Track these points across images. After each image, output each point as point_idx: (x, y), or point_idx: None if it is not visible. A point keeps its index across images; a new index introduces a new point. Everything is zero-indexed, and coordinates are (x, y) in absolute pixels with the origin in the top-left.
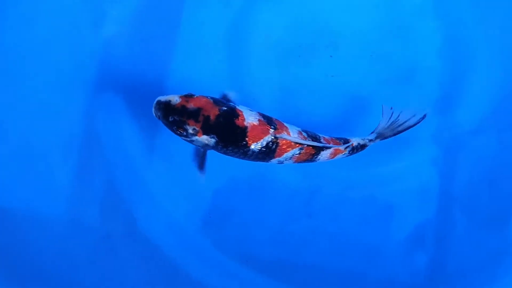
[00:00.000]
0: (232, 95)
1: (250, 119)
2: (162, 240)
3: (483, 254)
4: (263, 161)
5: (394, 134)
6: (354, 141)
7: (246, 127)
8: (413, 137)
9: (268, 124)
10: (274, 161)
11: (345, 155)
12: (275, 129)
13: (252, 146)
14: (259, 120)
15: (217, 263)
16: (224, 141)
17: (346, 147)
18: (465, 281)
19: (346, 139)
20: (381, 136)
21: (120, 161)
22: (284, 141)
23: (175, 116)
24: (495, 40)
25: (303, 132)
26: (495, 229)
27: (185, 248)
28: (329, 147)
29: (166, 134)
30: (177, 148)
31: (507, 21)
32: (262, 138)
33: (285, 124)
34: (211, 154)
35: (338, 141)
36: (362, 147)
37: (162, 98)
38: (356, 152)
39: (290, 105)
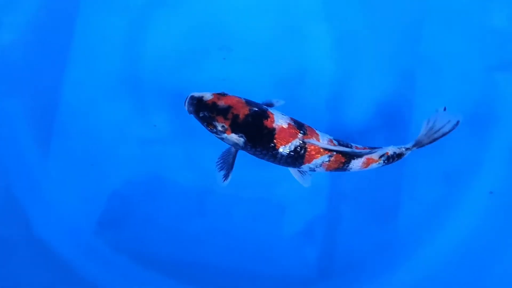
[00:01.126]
0: (277, 102)
1: (279, 121)
2: (57, 243)
3: (370, 246)
4: (294, 167)
5: (431, 142)
6: (390, 150)
7: (274, 129)
8: None
9: (298, 128)
10: (305, 167)
11: (380, 165)
12: (304, 134)
13: (281, 149)
14: (288, 124)
15: (113, 265)
16: (252, 141)
17: (381, 156)
18: (353, 272)
19: (381, 148)
20: (418, 144)
21: (14, 165)
22: (312, 147)
23: (205, 112)
24: (382, 41)
25: (334, 140)
26: (380, 223)
27: (81, 250)
28: (358, 154)
29: (61, 138)
30: (72, 152)
31: (393, 23)
32: (290, 142)
33: (316, 131)
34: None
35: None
36: (398, 156)
37: (196, 94)
38: (392, 162)
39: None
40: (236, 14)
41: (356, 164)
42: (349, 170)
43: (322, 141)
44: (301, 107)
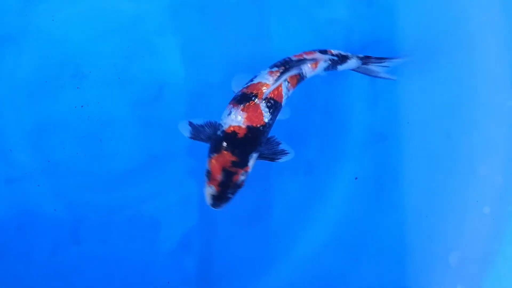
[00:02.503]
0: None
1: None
2: None
3: (247, 248)
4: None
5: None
6: (334, 51)
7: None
8: (167, 153)
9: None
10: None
11: (327, 64)
12: (256, 97)
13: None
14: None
15: None
16: None
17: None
18: (233, 276)
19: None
20: (363, 66)
21: None
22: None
23: None
24: (230, 45)
25: (272, 68)
26: (255, 224)
27: None
28: (301, 63)
29: None
30: None
31: (237, 25)
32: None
33: (254, 82)
34: None
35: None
36: (343, 57)
37: None
38: (339, 63)
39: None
40: (86, 38)
41: (307, 70)
42: (306, 77)
43: (267, 81)
44: (162, 122)
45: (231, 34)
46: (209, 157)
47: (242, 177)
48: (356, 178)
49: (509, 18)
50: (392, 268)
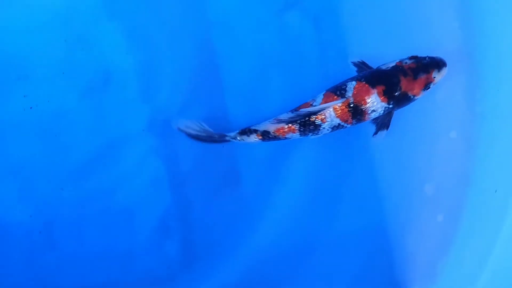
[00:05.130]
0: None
1: None
2: None
3: (224, 223)
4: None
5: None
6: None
7: None
8: (126, 136)
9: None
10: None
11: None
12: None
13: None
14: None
15: None
16: None
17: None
18: (213, 257)
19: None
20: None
21: None
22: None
23: None
24: (174, 27)
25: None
26: (227, 195)
27: None
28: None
29: None
30: None
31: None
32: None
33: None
34: None
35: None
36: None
37: None
38: None
39: None
40: (22, 38)
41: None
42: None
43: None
44: (115, 108)
45: (170, 9)
46: None
47: None
48: None
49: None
50: (370, 209)
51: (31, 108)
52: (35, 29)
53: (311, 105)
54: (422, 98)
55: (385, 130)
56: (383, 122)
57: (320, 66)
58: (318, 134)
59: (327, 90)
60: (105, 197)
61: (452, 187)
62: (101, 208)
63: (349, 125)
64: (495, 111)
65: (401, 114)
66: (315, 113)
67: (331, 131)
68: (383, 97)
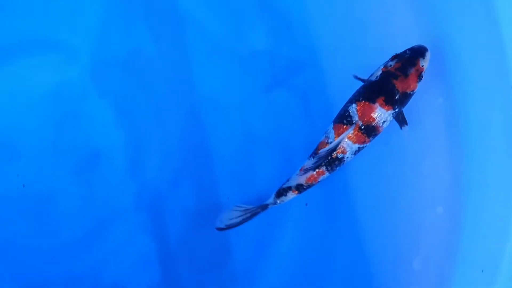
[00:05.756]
0: None
1: None
2: None
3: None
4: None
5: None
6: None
7: None
8: (114, 212)
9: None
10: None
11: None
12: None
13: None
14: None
15: None
16: None
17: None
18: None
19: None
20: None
21: None
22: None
23: None
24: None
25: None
26: (215, 271)
27: None
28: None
29: None
30: None
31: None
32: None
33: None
34: None
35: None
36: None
37: None
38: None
39: None
40: (13, 118)
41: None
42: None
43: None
44: (104, 185)
45: (158, 86)
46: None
47: None
48: (306, 204)
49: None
50: (358, 285)
51: (24, 186)
52: (26, 108)
53: (327, 143)
54: (407, 174)
55: (406, 125)
56: (399, 121)
57: (308, 142)
58: (344, 164)
59: (334, 123)
60: (93, 274)
61: (439, 262)
62: (90, 285)
63: (368, 144)
64: (479, 185)
65: (387, 190)
66: (334, 149)
67: (355, 155)
68: (386, 106)
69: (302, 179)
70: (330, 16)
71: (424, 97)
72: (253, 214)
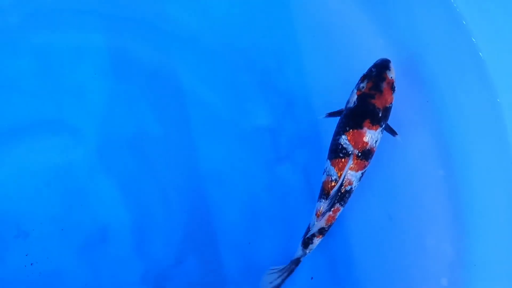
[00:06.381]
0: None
1: None
2: None
3: None
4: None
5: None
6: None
7: None
8: None
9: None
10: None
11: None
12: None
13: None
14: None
15: None
16: None
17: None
18: None
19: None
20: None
21: None
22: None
23: None
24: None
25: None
26: None
27: None
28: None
29: None
30: None
31: None
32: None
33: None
34: None
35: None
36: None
37: None
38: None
39: None
40: (20, 196)
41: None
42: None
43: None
44: (112, 263)
45: (163, 164)
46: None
47: None
48: (312, 278)
49: None
50: None
51: (31, 264)
52: (34, 186)
53: (331, 180)
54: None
55: (397, 134)
56: (389, 132)
57: (311, 215)
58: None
59: (330, 159)
60: None
61: None
62: None
63: (368, 166)
64: (483, 259)
65: (392, 265)
66: (341, 185)
67: (360, 181)
68: (374, 127)
69: (322, 223)
70: (328, 95)
71: (423, 169)
72: (290, 271)
